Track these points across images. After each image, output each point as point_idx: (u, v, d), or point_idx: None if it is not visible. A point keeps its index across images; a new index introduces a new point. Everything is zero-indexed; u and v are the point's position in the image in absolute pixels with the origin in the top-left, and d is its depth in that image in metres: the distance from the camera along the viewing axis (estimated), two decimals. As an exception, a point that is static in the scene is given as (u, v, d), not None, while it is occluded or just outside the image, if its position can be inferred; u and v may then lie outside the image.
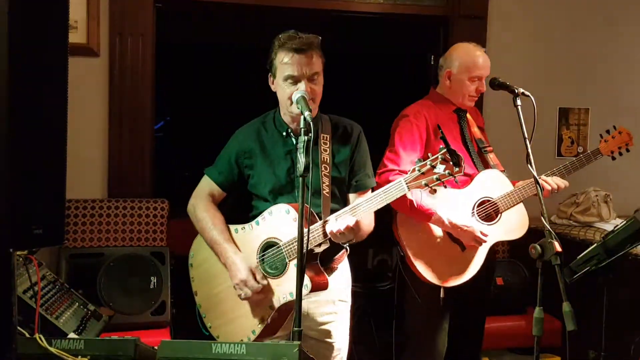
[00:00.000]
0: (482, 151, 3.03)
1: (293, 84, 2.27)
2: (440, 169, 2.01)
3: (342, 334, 2.51)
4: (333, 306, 2.47)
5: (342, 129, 2.47)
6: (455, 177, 2.02)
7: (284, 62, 2.27)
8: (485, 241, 2.81)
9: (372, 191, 2.40)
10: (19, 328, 1.91)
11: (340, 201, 2.43)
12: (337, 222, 2.21)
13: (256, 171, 2.45)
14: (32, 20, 1.30)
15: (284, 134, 2.41)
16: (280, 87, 2.32)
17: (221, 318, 2.45)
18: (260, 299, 2.33)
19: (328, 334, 2.46)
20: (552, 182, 2.90)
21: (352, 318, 2.62)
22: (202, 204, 2.49)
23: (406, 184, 2.12)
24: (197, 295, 2.52)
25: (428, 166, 2.04)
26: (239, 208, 2.57)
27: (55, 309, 2.58)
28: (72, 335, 2.48)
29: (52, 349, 1.71)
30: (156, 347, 1.74)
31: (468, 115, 3.07)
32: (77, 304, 2.71)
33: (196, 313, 2.54)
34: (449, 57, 3.00)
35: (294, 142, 2.38)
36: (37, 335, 1.73)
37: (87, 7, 3.72)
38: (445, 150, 2.00)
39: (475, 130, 3.07)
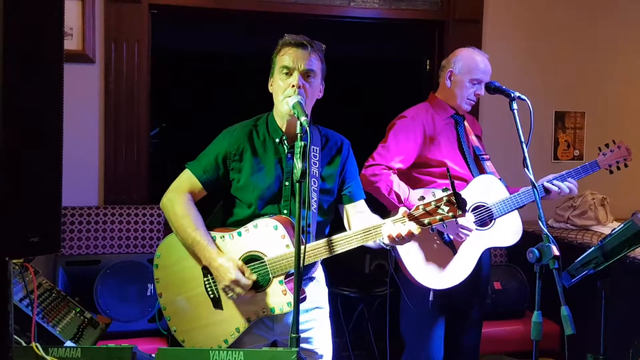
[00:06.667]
0: (480, 158, 3.03)
1: (287, 75, 2.26)
2: (444, 210, 2.01)
3: (323, 340, 2.49)
4: (311, 314, 2.44)
5: (331, 142, 2.44)
6: (457, 220, 2.04)
7: (282, 55, 2.28)
8: (468, 234, 2.79)
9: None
10: (15, 337, 1.89)
11: (327, 213, 2.41)
12: (396, 226, 2.12)
13: (243, 175, 2.36)
14: (27, 26, 1.29)
15: (277, 140, 2.35)
16: (275, 81, 2.31)
17: (190, 323, 2.37)
18: (238, 308, 2.29)
19: (308, 341, 2.43)
20: (564, 186, 2.92)
21: (350, 324, 2.61)
22: (181, 201, 2.35)
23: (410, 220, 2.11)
24: (161, 297, 2.41)
25: (432, 206, 2.04)
26: (211, 210, 2.49)
27: (52, 317, 2.56)
28: (69, 343, 2.46)
29: (48, 358, 1.71)
30: (154, 355, 1.73)
31: (466, 123, 3.08)
32: (73, 311, 2.69)
33: (157, 313, 2.45)
34: (453, 58, 3.02)
35: (286, 150, 2.34)
36: (33, 344, 1.72)
37: (82, 14, 3.72)
38: (451, 192, 2.00)
39: (473, 138, 3.08)
